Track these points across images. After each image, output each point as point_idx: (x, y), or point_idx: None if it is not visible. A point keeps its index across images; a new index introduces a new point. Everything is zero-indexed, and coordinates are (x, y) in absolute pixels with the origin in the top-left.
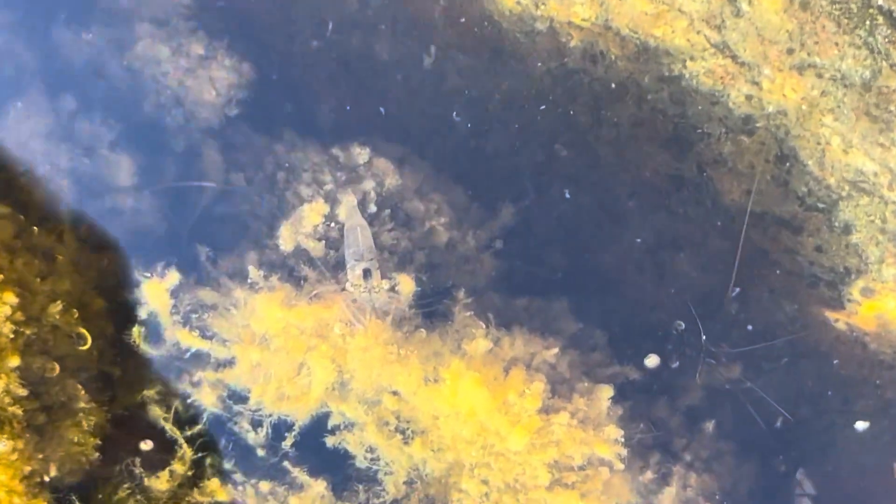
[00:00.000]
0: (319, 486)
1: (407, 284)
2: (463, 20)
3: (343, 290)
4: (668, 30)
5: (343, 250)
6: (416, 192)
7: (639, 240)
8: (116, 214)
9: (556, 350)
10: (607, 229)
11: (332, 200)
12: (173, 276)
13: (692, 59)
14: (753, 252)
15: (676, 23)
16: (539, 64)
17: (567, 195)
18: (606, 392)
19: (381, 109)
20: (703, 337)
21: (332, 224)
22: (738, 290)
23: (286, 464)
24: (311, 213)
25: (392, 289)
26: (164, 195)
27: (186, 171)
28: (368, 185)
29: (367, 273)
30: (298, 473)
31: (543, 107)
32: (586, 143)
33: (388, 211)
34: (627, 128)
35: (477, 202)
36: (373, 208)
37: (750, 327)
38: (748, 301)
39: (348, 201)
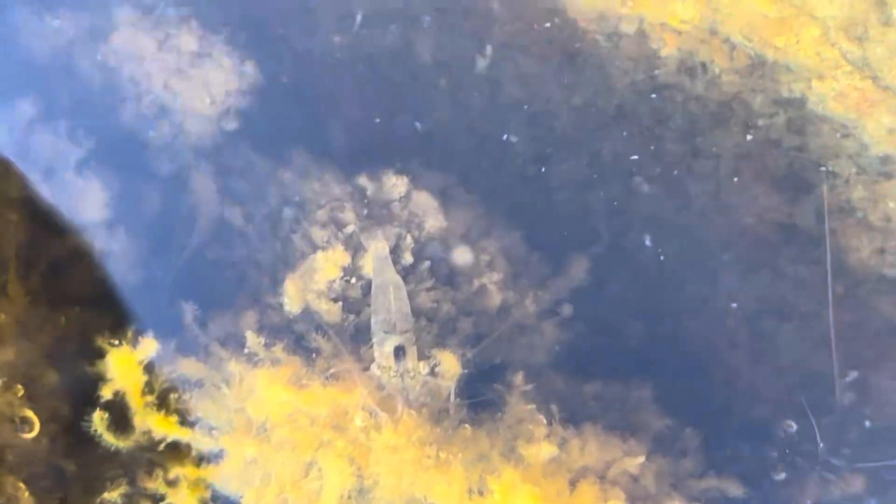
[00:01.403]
0: None
1: (451, 365)
2: (528, 14)
3: (366, 369)
4: (793, 39)
5: (368, 316)
6: (464, 239)
7: (734, 304)
8: (80, 258)
9: (641, 458)
10: (695, 289)
11: (354, 247)
12: (149, 346)
13: (821, 77)
14: (881, 327)
15: (805, 31)
16: (622, 75)
17: (647, 242)
18: None
19: (417, 125)
20: (821, 444)
21: (353, 280)
22: (855, 374)
23: None
24: (327, 264)
25: (431, 371)
26: (143, 233)
27: (171, 201)
28: (404, 227)
29: (399, 351)
30: None
31: (625, 132)
32: (675, 178)
33: (427, 263)
34: (729, 160)
35: (538, 252)
36: (408, 259)
37: (868, 423)
38: (868, 390)
39: (378, 249)
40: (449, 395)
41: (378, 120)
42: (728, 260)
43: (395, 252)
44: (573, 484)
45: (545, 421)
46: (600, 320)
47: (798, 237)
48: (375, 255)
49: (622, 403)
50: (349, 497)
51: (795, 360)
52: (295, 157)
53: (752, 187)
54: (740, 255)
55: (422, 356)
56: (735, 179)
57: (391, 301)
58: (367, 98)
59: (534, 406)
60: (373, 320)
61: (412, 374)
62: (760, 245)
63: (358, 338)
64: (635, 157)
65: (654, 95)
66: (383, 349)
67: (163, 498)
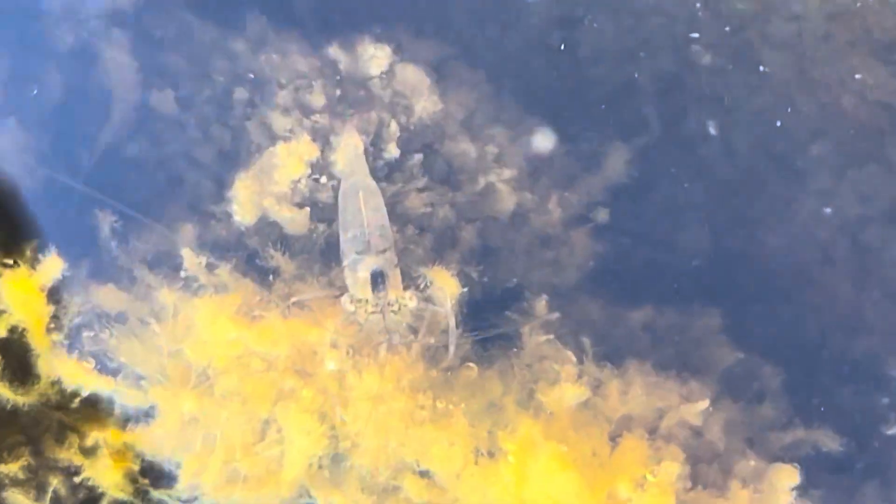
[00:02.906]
0: None
1: (447, 285)
2: None
3: (338, 297)
4: None
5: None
6: (465, 125)
7: (828, 210)
8: None
9: (705, 402)
10: (777, 190)
11: (325, 137)
12: (53, 266)
13: None
14: None
15: None
16: None
17: (712, 131)
18: (788, 477)
19: None
20: None
21: (324, 179)
22: None
23: None
24: (290, 159)
25: (421, 290)
26: (42, 126)
27: (77, 84)
28: (387, 111)
29: (377, 278)
30: None
31: None
32: (746, 44)
33: (418, 157)
34: (816, 22)
35: (564, 143)
36: (394, 152)
37: None
38: None
39: (349, 145)
40: (448, 326)
41: None
42: (819, 153)
43: (377, 143)
44: (614, 439)
45: (574, 358)
46: (649, 230)
47: None
48: (346, 151)
49: (680, 335)
50: (318, 466)
51: None
52: (248, 22)
53: (847, 57)
54: (835, 147)
55: (410, 283)
56: (826, 44)
57: (362, 211)
58: None
59: (557, 339)
60: (342, 238)
61: (396, 307)
62: (862, 132)
63: (329, 254)
64: (695, 34)
65: None
66: (357, 275)
67: (78, 471)
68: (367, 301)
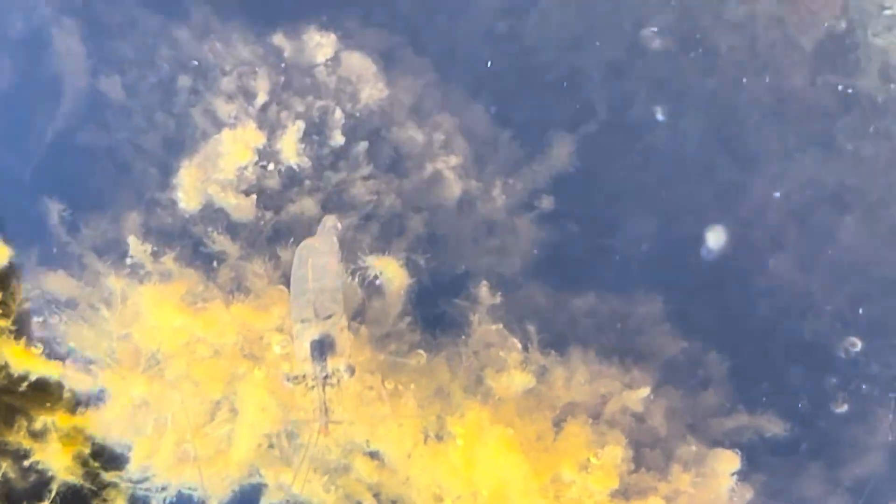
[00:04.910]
0: None
1: (396, 276)
2: None
3: (283, 277)
4: None
5: (289, 215)
6: (412, 112)
7: (777, 194)
8: None
9: (645, 390)
10: (726, 174)
11: (270, 125)
12: (1, 252)
13: None
14: None
15: None
16: None
17: (659, 116)
18: (728, 462)
19: None
20: None
21: (271, 166)
22: None
23: None
24: (235, 146)
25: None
26: None
27: (26, 69)
28: (332, 99)
29: (319, 346)
30: None
31: None
32: (699, 26)
33: (363, 144)
34: (769, 3)
35: (510, 129)
36: (338, 140)
37: None
38: None
39: (327, 224)
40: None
41: None
42: (768, 135)
43: (322, 131)
44: (558, 425)
45: (519, 345)
46: (595, 217)
47: (859, 103)
48: (323, 228)
49: (623, 322)
50: (269, 445)
51: (860, 262)
52: (192, 10)
53: (798, 38)
54: (784, 129)
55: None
56: (776, 26)
57: (308, 278)
58: None
59: (503, 326)
60: (291, 306)
61: (334, 380)
62: (810, 115)
63: (276, 241)
64: (654, 28)
65: None
66: (302, 344)
67: (27, 455)
68: (305, 378)
